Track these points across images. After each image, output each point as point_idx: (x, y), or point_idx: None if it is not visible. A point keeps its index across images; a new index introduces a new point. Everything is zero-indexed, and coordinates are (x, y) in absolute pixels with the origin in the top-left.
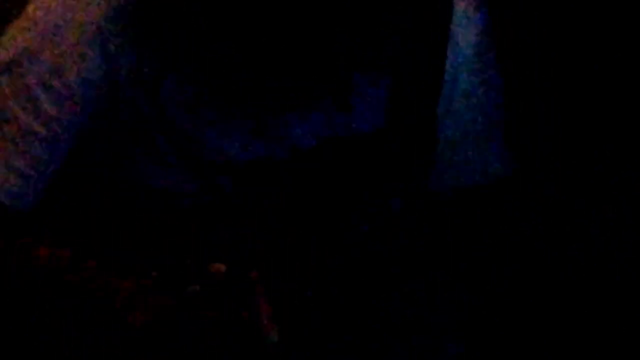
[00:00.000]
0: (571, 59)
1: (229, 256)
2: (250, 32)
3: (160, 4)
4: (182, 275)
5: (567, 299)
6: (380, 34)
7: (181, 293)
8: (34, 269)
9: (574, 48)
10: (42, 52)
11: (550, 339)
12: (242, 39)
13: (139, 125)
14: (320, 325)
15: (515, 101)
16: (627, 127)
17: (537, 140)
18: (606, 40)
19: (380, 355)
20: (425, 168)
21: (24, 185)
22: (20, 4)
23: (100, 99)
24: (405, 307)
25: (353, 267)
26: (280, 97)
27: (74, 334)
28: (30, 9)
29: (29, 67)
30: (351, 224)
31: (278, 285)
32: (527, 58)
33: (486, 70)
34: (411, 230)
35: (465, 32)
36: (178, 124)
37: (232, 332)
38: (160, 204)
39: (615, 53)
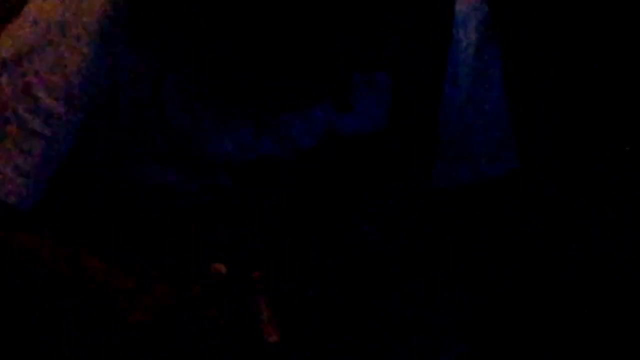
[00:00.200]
0: (571, 59)
1: (229, 256)
2: (250, 32)
3: (160, 4)
4: (182, 275)
5: (567, 299)
6: (380, 34)
7: (181, 293)
8: (34, 269)
9: (574, 48)
10: (42, 52)
11: (550, 338)
12: (242, 39)
13: (139, 125)
14: (320, 325)
15: (515, 101)
16: (627, 127)
17: (537, 140)
18: (606, 40)
19: (380, 355)
20: (426, 168)
21: (25, 184)
22: (20, 3)
23: (100, 99)
24: (405, 307)
25: (353, 267)
26: (280, 97)
27: (74, 334)
28: (30, 8)
29: (29, 66)
30: (351, 224)
31: (278, 285)
32: (528, 58)
33: (487, 69)
34: (411, 230)
35: (466, 31)
36: (178, 124)
37: (232, 332)
38: (160, 204)
39: (615, 53)
